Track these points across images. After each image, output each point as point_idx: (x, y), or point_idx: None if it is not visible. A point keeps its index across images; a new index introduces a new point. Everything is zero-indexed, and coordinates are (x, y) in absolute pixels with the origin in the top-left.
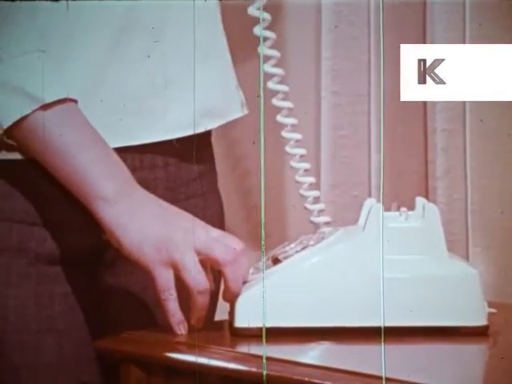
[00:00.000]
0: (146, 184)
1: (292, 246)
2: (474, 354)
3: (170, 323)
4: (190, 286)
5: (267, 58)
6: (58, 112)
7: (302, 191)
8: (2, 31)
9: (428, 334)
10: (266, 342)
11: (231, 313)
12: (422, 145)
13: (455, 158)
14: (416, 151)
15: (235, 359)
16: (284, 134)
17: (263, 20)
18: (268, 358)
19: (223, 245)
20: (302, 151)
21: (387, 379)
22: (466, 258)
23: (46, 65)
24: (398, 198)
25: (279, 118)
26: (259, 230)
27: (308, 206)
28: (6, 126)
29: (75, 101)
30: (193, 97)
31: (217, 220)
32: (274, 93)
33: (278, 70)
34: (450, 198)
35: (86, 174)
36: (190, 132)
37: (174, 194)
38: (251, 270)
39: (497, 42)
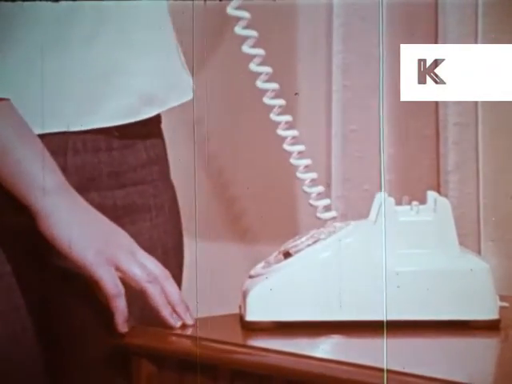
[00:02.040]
0: (89, 168)
1: (303, 239)
2: (485, 347)
3: (117, 322)
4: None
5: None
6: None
7: (304, 188)
8: None
9: (440, 328)
10: (277, 335)
11: (242, 307)
12: (434, 138)
13: (467, 152)
14: (428, 145)
15: (247, 353)
16: (280, 132)
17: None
18: (278, 352)
19: (143, 266)
20: (301, 147)
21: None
22: (478, 251)
23: None
24: (410, 192)
25: (272, 116)
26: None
27: (312, 202)
28: None
29: (8, 99)
30: (135, 84)
31: (168, 207)
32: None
33: (265, 69)
34: (462, 192)
35: (27, 167)
36: (131, 119)
37: (119, 179)
38: (262, 264)
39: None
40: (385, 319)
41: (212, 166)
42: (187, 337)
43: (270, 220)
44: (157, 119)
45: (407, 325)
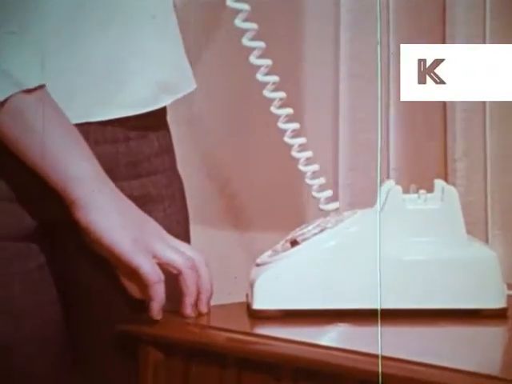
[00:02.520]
0: (108, 158)
1: (310, 228)
2: (492, 336)
3: (153, 309)
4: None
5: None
6: (38, 97)
7: (307, 180)
8: None
9: (447, 317)
10: (284, 324)
11: (249, 295)
12: (442, 126)
13: (475, 140)
14: (435, 132)
15: (254, 341)
16: (281, 125)
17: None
18: (286, 340)
19: (181, 252)
20: (302, 140)
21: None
22: (486, 240)
23: (27, 47)
24: (417, 181)
25: (273, 109)
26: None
27: (315, 194)
28: None
29: (43, 86)
30: (150, 72)
31: (178, 197)
32: (265, 84)
33: (265, 61)
34: (470, 181)
35: (63, 155)
36: (150, 108)
37: (136, 170)
38: (269, 253)
39: None
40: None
41: (216, 156)
42: (194, 325)
43: (276, 209)
44: (163, 110)
45: (413, 313)
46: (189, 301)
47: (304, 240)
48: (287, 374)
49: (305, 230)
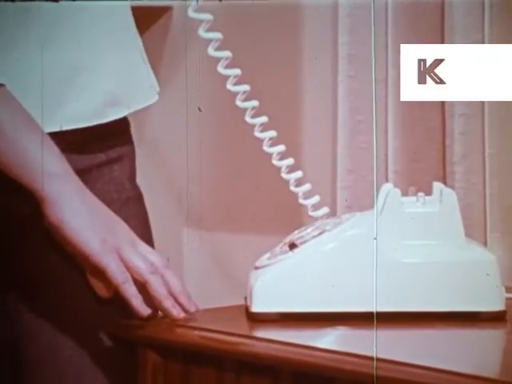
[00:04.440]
0: None
1: (309, 230)
2: (491, 339)
3: (134, 307)
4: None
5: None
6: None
7: (291, 188)
8: None
9: (446, 320)
10: (282, 327)
11: (248, 298)
12: (440, 129)
13: (473, 143)
14: (434, 136)
15: (253, 344)
16: (257, 134)
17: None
18: (284, 343)
19: (145, 258)
20: (281, 148)
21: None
22: (484, 243)
23: None
24: (416, 183)
25: (248, 119)
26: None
27: (301, 201)
28: None
29: (3, 85)
30: (99, 85)
31: (133, 202)
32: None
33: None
34: (468, 183)
35: (34, 151)
36: (95, 122)
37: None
38: (267, 255)
39: None
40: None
41: (217, 156)
42: (193, 328)
43: (275, 211)
44: (123, 123)
45: (412, 316)
46: (166, 304)
47: (302, 243)
48: (285, 376)
49: (303, 233)
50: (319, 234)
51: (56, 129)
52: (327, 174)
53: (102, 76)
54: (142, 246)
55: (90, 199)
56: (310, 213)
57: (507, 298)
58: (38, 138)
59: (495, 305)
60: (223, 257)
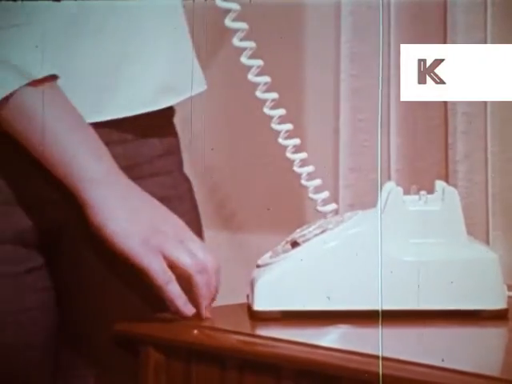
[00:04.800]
0: None
1: (311, 229)
2: (493, 337)
3: (177, 307)
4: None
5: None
6: (46, 90)
7: (302, 182)
8: None
9: (448, 318)
10: (285, 325)
11: (250, 296)
12: (443, 128)
13: (476, 142)
14: (436, 135)
15: (255, 342)
16: (274, 126)
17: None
18: (287, 341)
19: (192, 254)
20: (296, 141)
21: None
22: (487, 241)
23: (31, 39)
24: (418, 182)
25: (266, 110)
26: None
27: (311, 195)
28: None
29: (58, 77)
30: (150, 73)
31: (188, 198)
32: (256, 85)
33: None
34: (471, 182)
35: (74, 156)
36: (148, 109)
37: (135, 171)
38: (269, 254)
39: None
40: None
41: (216, 157)
42: (195, 326)
43: (277, 210)
44: (169, 112)
45: (413, 314)
46: (203, 305)
47: (305, 241)
48: (288, 375)
49: (305, 231)
50: (321, 232)
51: (110, 117)
52: (329, 173)
53: (154, 63)
54: (193, 242)
55: (133, 199)
56: (319, 208)
57: (509, 297)
58: (85, 139)
59: (497, 303)
60: (225, 255)
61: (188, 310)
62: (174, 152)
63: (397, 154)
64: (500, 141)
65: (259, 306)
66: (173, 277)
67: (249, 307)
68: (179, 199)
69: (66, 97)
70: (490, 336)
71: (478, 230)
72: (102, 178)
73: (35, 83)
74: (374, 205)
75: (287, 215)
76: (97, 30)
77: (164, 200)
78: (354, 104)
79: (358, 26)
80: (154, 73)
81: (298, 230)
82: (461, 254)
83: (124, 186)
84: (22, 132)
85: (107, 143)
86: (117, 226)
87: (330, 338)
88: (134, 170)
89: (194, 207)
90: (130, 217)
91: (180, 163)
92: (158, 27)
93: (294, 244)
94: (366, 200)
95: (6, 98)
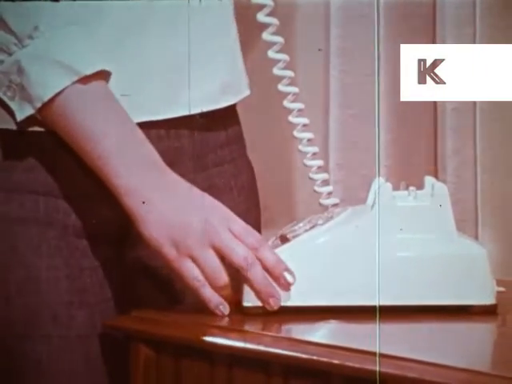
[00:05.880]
0: (171, 152)
1: (301, 225)
2: (482, 332)
3: (210, 308)
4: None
5: (272, 44)
6: (97, 92)
7: (311, 174)
8: (41, 2)
9: (437, 313)
10: (274, 321)
11: (240, 292)
12: (432, 124)
13: (465, 138)
14: (426, 131)
15: (244, 338)
16: (291, 119)
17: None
18: (276, 337)
19: (243, 246)
20: (310, 135)
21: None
22: (475, 236)
23: (82, 38)
24: (408, 178)
25: (286, 103)
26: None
27: (317, 188)
28: (46, 98)
29: (110, 73)
30: (215, 71)
31: (248, 186)
32: (280, 78)
33: (283, 56)
34: (460, 178)
35: (109, 162)
36: (212, 107)
37: (200, 162)
38: None
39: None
40: (377, 304)
41: None
42: (185, 322)
43: (267, 205)
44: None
45: (404, 310)
46: (265, 295)
47: (294, 237)
48: (278, 370)
49: (295, 227)
50: (311, 228)
51: (181, 113)
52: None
53: (214, 63)
54: (239, 227)
55: (168, 202)
56: (322, 200)
57: (498, 292)
58: (125, 142)
59: (486, 298)
60: None
61: (220, 311)
62: (237, 140)
63: (386, 149)
64: (489, 137)
65: (249, 301)
66: (203, 282)
67: (239, 303)
68: (240, 188)
69: (112, 95)
70: (479, 331)
71: (467, 225)
72: (132, 187)
73: (85, 80)
74: (363, 201)
75: (277, 211)
76: (163, 30)
77: (225, 189)
78: (343, 100)
79: (347, 21)
80: (216, 72)
81: (288, 226)
82: (450, 250)
83: (162, 186)
84: (66, 132)
85: (175, 136)
86: (148, 237)
87: (320, 333)
88: (200, 161)
89: (255, 194)
90: (159, 225)
91: (243, 150)
92: (215, 27)
93: (284, 239)
94: (355, 196)
95: (55, 97)
